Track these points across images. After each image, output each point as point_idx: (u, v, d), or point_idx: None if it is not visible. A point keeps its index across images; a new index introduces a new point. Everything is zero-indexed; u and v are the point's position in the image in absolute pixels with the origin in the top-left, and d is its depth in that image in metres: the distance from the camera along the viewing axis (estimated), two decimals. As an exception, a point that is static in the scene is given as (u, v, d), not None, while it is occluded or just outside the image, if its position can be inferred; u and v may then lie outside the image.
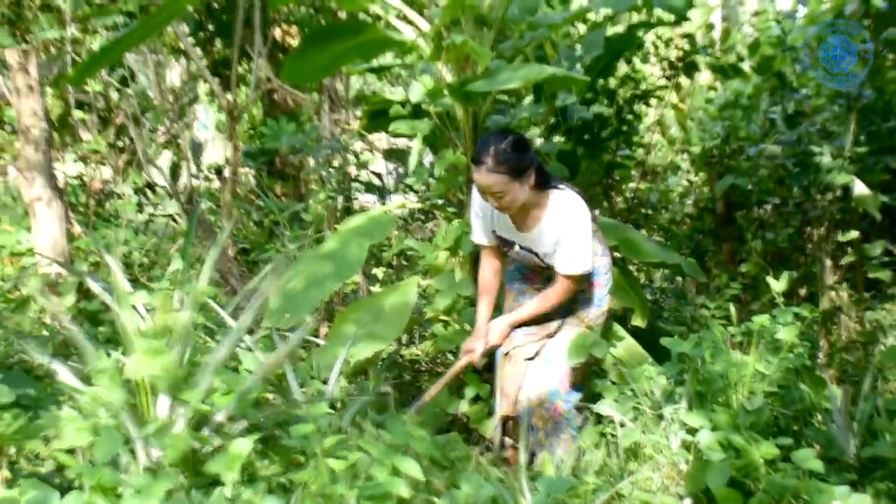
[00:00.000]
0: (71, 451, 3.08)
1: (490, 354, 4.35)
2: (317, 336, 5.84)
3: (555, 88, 5.37)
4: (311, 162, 6.91)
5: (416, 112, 4.89)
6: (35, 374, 3.57)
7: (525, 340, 4.20)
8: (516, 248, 4.09)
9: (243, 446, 3.01)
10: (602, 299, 4.21)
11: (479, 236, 4.23)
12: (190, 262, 3.97)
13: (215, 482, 3.29)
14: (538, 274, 4.22)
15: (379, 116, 5.51)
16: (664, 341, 4.01)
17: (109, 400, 3.24)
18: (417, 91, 4.63)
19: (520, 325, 4.20)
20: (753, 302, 5.96)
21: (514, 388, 4.19)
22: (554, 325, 4.19)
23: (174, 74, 9.24)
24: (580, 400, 4.20)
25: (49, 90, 7.43)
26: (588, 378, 4.22)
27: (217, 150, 13.92)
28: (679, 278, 6.90)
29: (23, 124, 5.95)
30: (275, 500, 2.88)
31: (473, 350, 4.18)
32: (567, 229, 3.85)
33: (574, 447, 4.03)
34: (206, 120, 15.44)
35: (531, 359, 4.20)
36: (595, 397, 4.17)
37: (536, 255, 4.04)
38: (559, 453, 4.09)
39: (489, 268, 4.28)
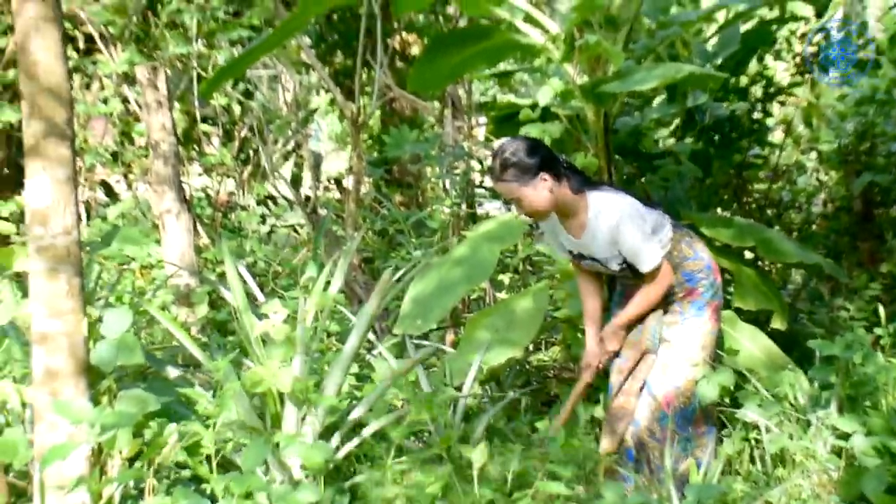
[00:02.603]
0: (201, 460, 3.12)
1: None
2: (443, 343, 5.82)
3: (690, 87, 5.26)
4: (434, 169, 6.91)
5: (544, 116, 4.84)
6: (172, 383, 3.61)
7: (628, 368, 4.06)
8: (587, 259, 4.00)
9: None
10: (702, 309, 3.96)
11: (562, 253, 4.16)
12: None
13: (352, 488, 3.30)
14: (633, 289, 4.07)
15: (506, 122, 5.47)
16: (813, 344, 3.88)
17: (238, 411, 3.29)
18: (546, 94, 4.58)
19: (631, 327, 4.07)
20: (893, 303, 5.74)
21: (622, 426, 4.05)
22: (648, 343, 4.00)
23: (291, 87, 9.35)
24: (690, 418, 4.02)
25: (176, 105, 7.57)
26: (696, 394, 4.01)
27: (332, 162, 14.05)
28: (812, 279, 6.69)
29: (152, 139, 6.06)
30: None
31: (591, 364, 4.06)
32: (611, 228, 3.72)
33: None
34: (319, 133, 15.60)
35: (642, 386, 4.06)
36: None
37: (600, 262, 3.94)
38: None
39: (585, 282, 4.16)
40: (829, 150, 6.79)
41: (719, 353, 4.10)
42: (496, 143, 7.20)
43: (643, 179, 5.38)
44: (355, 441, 3.48)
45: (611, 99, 4.49)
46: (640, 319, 3.98)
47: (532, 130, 4.70)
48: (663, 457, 3.85)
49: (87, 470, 2.86)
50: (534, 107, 4.80)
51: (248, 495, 2.83)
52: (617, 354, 4.06)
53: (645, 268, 3.77)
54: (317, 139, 14.94)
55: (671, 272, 3.85)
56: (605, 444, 4.04)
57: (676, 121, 5.92)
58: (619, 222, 3.69)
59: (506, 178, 3.68)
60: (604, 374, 4.20)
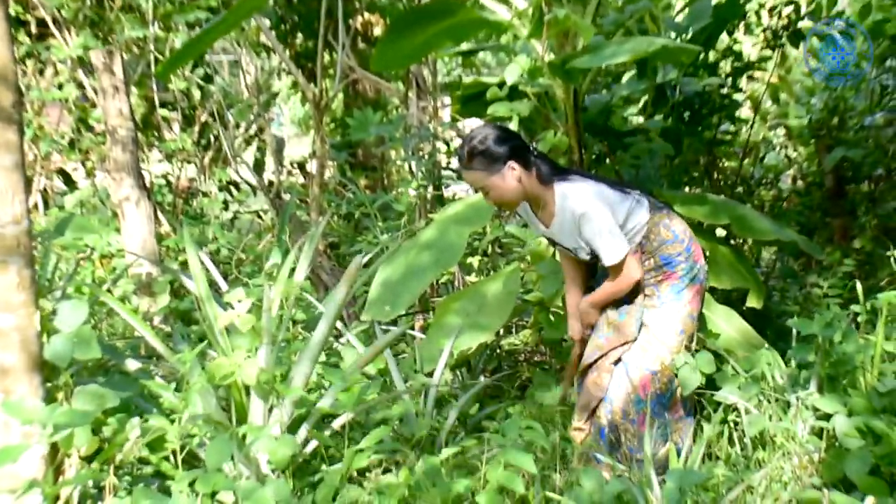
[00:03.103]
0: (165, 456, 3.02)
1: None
2: (412, 328, 5.72)
3: (661, 61, 5.16)
4: (399, 152, 6.80)
5: (512, 94, 4.73)
6: (133, 377, 3.49)
7: (607, 347, 3.97)
8: (560, 247, 3.92)
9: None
10: (680, 292, 3.84)
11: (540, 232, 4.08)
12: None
13: (316, 482, 3.20)
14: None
15: (472, 101, 5.36)
16: (792, 322, 3.79)
17: (203, 404, 3.18)
18: (514, 72, 4.46)
19: (604, 308, 3.97)
20: (868, 279, 5.68)
21: (593, 402, 3.97)
22: (633, 329, 3.91)
23: (252, 70, 9.20)
24: (667, 404, 3.93)
25: (133, 90, 7.41)
26: (673, 379, 3.94)
27: (294, 147, 13.92)
28: (785, 257, 6.63)
29: (109, 125, 5.92)
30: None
31: (580, 333, 4.06)
32: (575, 219, 3.65)
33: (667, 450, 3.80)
34: (280, 118, 15.48)
35: (615, 363, 3.98)
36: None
37: (570, 251, 3.87)
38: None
39: (567, 266, 4.09)
40: (797, 125, 6.73)
41: (699, 336, 4.02)
42: (465, 124, 7.13)
43: (614, 157, 5.29)
44: (324, 433, 3.37)
45: (580, 75, 4.38)
46: (624, 300, 3.90)
47: (500, 109, 4.59)
48: (638, 440, 3.80)
49: (42, 470, 2.74)
50: (501, 85, 4.68)
51: (214, 493, 2.71)
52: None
53: (607, 261, 3.69)
54: (278, 124, 14.82)
55: (638, 269, 3.76)
56: (577, 419, 3.97)
57: (645, 98, 5.83)
58: (583, 213, 3.60)
59: (473, 166, 3.58)
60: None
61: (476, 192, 3.78)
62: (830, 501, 2.73)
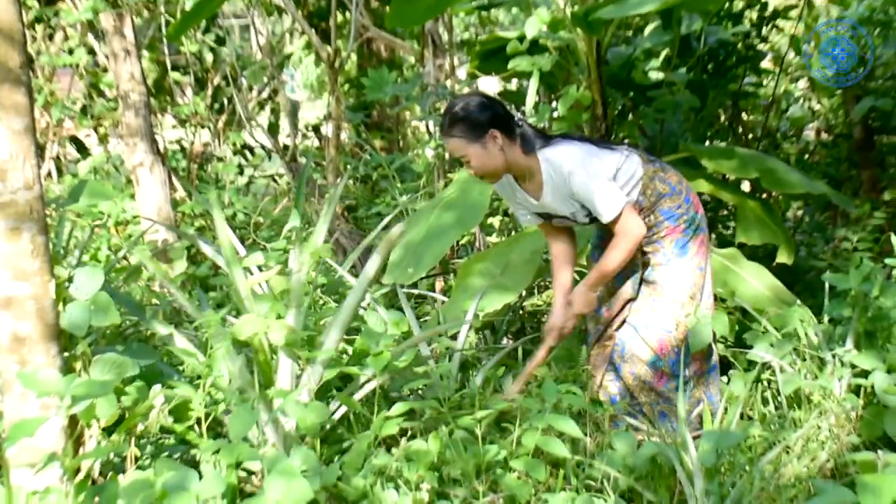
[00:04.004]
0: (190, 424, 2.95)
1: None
2: (433, 290, 5.64)
3: (689, 10, 5.01)
4: (414, 112, 6.69)
5: (532, 48, 4.61)
6: (152, 344, 3.41)
7: (610, 318, 3.87)
8: (557, 218, 3.79)
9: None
10: (685, 246, 3.72)
11: (523, 219, 3.94)
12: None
13: (344, 449, 3.12)
14: (609, 235, 3.85)
15: (490, 57, 5.25)
16: (827, 277, 3.69)
17: (228, 368, 3.10)
18: (534, 25, 4.34)
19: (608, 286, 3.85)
20: (898, 232, 5.57)
21: (601, 372, 3.88)
22: (629, 289, 3.81)
23: (264, 31, 9.10)
24: (686, 360, 3.81)
25: (145, 54, 7.31)
26: (688, 335, 3.82)
27: (308, 110, 13.83)
28: (812, 211, 6.51)
29: (121, 90, 5.85)
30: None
31: (557, 327, 3.81)
32: (564, 180, 3.54)
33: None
34: (292, 83, 15.39)
35: (618, 329, 3.87)
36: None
37: (569, 218, 3.74)
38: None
39: (553, 245, 3.94)
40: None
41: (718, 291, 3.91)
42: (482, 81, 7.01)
43: (637, 111, 5.17)
44: (352, 399, 3.29)
45: (603, 27, 4.27)
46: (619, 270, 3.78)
47: (521, 63, 4.48)
48: (656, 395, 3.76)
49: (61, 443, 2.66)
50: (521, 39, 4.56)
51: (239, 463, 2.65)
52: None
53: (606, 216, 3.54)
54: (291, 89, 14.74)
55: (640, 222, 3.61)
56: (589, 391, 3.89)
57: (666, 51, 5.69)
58: (570, 171, 3.50)
59: (454, 133, 3.48)
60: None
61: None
62: (885, 462, 2.61)
